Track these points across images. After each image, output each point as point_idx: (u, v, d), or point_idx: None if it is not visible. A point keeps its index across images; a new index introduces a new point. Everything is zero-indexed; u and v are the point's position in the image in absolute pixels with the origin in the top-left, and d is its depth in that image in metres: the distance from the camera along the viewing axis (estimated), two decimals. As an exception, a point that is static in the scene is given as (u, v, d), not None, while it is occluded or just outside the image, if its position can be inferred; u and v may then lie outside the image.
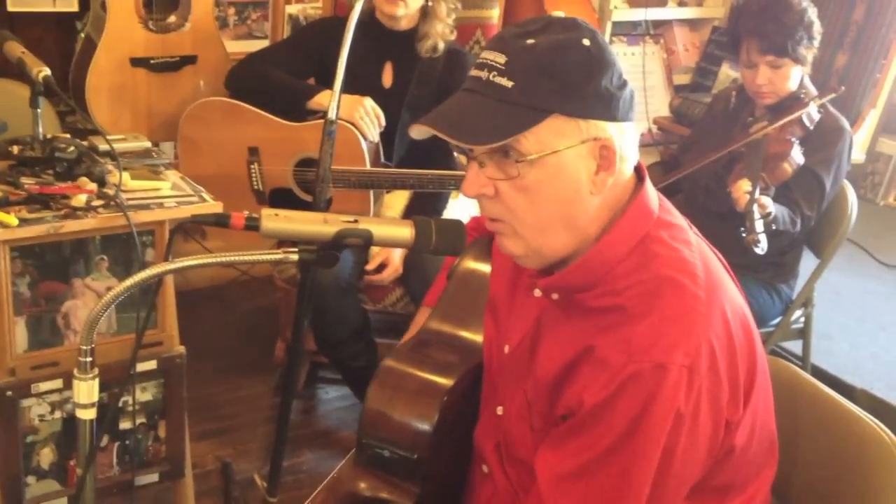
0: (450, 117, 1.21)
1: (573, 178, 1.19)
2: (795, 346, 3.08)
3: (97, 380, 1.24)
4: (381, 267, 2.66)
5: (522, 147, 1.17)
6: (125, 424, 2.19)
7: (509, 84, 1.16)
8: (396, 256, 2.66)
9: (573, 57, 1.16)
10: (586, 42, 1.17)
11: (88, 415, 1.26)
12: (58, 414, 2.09)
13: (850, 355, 3.40)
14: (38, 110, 2.09)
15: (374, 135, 2.69)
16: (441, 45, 2.75)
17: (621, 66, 1.22)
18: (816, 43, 2.64)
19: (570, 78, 1.16)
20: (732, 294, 1.26)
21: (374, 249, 2.69)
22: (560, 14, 1.26)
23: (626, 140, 1.22)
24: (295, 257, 1.24)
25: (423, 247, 1.27)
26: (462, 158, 1.29)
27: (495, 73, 1.17)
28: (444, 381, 1.46)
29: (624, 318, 1.18)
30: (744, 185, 2.47)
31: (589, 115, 1.17)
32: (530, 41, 1.17)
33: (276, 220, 1.22)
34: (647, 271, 1.21)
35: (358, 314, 2.67)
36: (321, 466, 2.74)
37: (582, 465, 1.19)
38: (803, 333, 2.95)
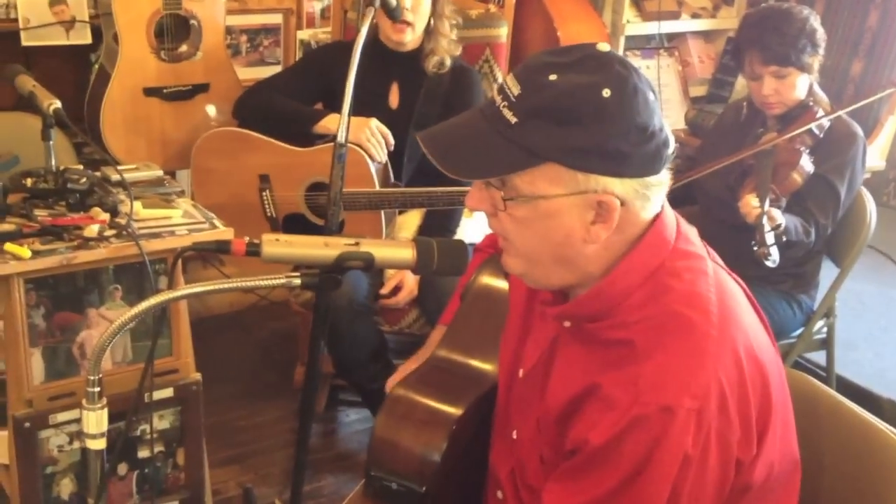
0: (447, 141, 1.18)
1: (564, 224, 1.15)
2: (820, 357, 3.03)
3: (106, 409, 1.24)
4: (396, 290, 2.66)
5: (514, 184, 1.14)
6: (143, 453, 2.20)
7: (513, 120, 1.12)
8: (411, 279, 2.65)
9: (586, 109, 1.09)
10: (606, 93, 1.09)
11: (98, 445, 1.26)
12: (76, 444, 2.10)
13: (876, 365, 3.34)
14: (51, 142, 2.11)
15: (382, 155, 2.69)
16: (448, 61, 2.75)
17: (650, 115, 1.12)
18: (821, 50, 2.60)
19: (576, 129, 1.10)
20: (747, 327, 1.21)
21: (389, 272, 2.69)
22: (605, 47, 1.14)
23: (644, 193, 1.15)
24: (297, 282, 1.23)
25: (425, 268, 1.27)
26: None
27: (506, 103, 1.13)
28: (454, 411, 1.43)
29: (632, 354, 1.15)
30: (752, 199, 2.45)
31: (590, 170, 1.11)
32: (552, 77, 1.11)
33: (277, 244, 1.22)
34: (658, 305, 1.17)
35: (374, 336, 2.66)
36: (343, 490, 2.72)
37: (588, 502, 1.16)
38: (826, 344, 2.91)
